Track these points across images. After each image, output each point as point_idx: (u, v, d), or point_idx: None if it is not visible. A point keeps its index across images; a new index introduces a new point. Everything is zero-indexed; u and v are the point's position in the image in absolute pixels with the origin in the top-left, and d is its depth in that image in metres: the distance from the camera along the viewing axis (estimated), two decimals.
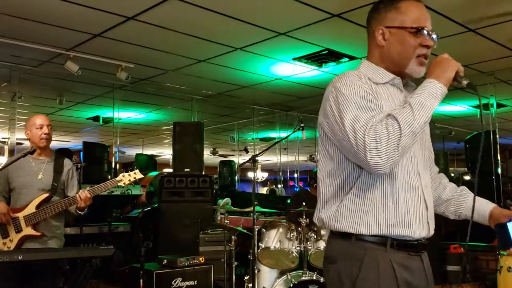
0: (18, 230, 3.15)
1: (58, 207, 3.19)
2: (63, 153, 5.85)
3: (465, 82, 1.58)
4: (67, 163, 3.43)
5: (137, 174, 3.41)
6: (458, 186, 1.93)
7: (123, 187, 5.84)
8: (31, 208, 3.17)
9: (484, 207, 1.82)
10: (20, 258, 2.85)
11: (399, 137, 1.46)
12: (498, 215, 1.78)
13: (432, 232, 1.68)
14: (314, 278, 3.75)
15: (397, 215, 1.60)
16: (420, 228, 1.63)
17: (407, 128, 1.47)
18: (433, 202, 1.78)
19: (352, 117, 1.53)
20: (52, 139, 3.42)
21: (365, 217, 1.61)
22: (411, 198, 1.62)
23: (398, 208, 1.60)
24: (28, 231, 3.16)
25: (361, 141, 1.48)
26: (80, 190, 3.24)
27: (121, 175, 3.38)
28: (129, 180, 3.38)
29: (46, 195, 3.23)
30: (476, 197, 1.73)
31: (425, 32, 1.64)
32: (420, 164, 1.69)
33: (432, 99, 1.52)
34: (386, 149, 1.46)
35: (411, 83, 1.78)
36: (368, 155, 1.47)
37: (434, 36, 1.66)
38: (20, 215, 3.16)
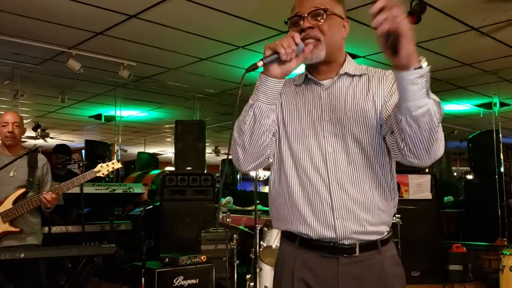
0: None
1: (37, 201, 3.11)
2: (62, 149, 5.87)
3: (259, 64, 1.48)
4: (41, 158, 3.36)
5: (115, 164, 3.38)
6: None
7: (125, 185, 5.84)
8: (7, 204, 3.09)
9: None
10: (22, 256, 2.85)
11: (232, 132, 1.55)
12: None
13: (342, 233, 1.47)
14: None
15: (294, 213, 1.53)
16: (322, 227, 1.48)
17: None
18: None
19: None
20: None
21: (277, 215, 1.63)
22: (308, 196, 1.50)
23: (294, 206, 1.53)
24: (5, 227, 3.07)
25: None
26: (44, 192, 3.13)
27: (99, 165, 3.34)
28: (108, 170, 3.34)
29: (23, 190, 3.16)
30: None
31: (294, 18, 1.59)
32: (334, 159, 1.50)
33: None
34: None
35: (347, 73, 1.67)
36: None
37: (305, 15, 1.55)
38: None
